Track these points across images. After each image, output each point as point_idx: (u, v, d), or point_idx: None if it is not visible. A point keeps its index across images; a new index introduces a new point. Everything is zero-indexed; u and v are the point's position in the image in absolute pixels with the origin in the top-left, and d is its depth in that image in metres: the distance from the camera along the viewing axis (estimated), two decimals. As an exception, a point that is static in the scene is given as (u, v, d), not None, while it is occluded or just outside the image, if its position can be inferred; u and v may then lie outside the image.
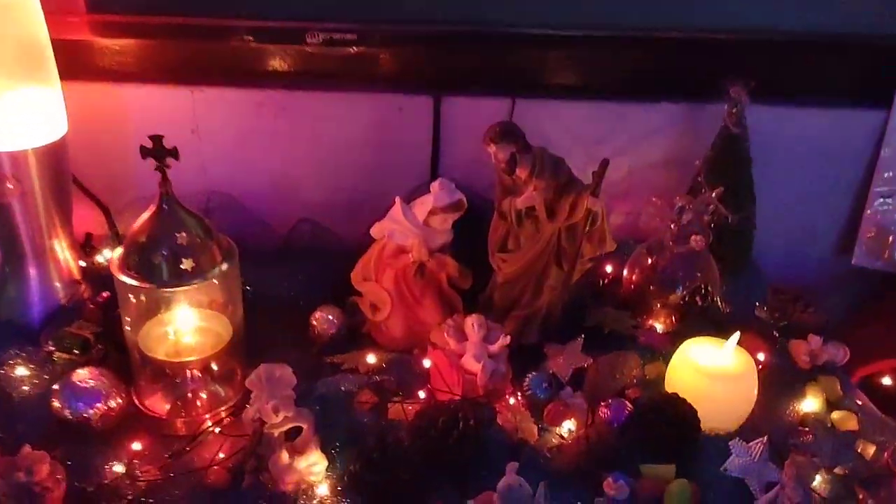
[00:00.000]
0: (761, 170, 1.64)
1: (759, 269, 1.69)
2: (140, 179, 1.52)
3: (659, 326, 1.53)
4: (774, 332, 1.54)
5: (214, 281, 1.20)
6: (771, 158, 1.65)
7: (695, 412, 1.24)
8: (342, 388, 1.31)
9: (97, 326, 1.37)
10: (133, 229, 1.18)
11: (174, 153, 1.17)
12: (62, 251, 1.47)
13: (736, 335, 1.32)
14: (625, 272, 1.60)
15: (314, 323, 1.44)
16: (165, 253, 1.15)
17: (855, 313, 1.83)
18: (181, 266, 1.15)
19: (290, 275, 1.53)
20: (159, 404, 1.28)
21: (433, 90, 1.63)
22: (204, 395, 1.31)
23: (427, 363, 1.35)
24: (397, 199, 1.42)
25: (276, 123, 1.68)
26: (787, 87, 1.64)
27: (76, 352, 1.31)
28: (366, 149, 1.69)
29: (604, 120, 1.67)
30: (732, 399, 1.30)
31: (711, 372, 1.30)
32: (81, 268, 1.51)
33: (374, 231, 1.45)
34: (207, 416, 1.27)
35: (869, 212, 1.74)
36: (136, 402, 1.27)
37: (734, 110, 1.58)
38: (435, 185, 1.40)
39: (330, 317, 1.44)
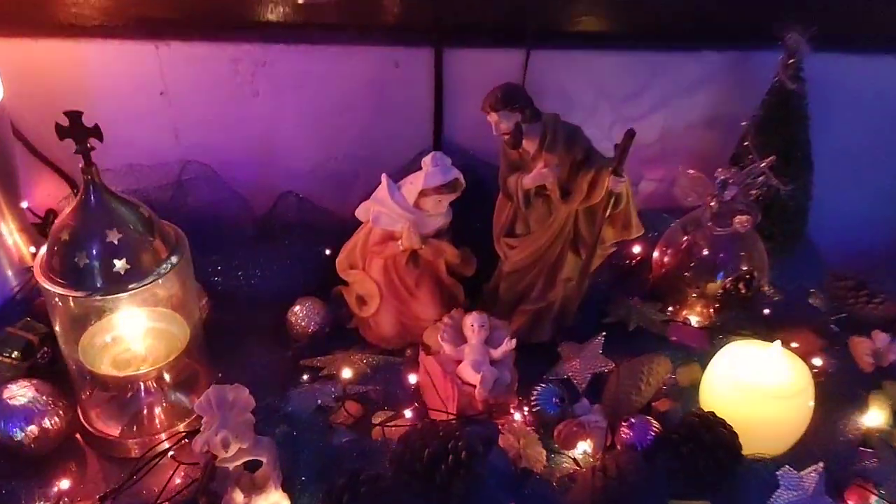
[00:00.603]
0: (820, 132, 1.42)
1: (815, 250, 1.50)
2: (109, 147, 1.36)
3: (694, 320, 1.32)
4: (832, 327, 1.32)
5: (159, 281, 1.01)
6: (833, 118, 1.45)
7: (735, 435, 1.04)
8: (318, 402, 1.12)
9: (47, 326, 1.19)
10: (55, 225, 0.99)
11: (97, 132, 0.97)
12: (10, 235, 1.30)
13: (777, 343, 1.10)
14: (655, 254, 1.38)
15: (292, 319, 1.25)
16: (94, 253, 0.96)
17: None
18: (114, 269, 0.96)
19: (269, 260, 1.33)
20: (109, 423, 1.11)
21: (434, 41, 1.41)
22: (161, 410, 1.13)
23: (413, 378, 1.15)
24: (384, 178, 1.21)
25: (256, 82, 1.46)
26: (854, 32, 1.44)
27: (16, 356, 1.14)
28: (359, 111, 1.49)
29: (634, 73, 1.48)
30: (783, 419, 1.09)
31: (757, 387, 1.09)
32: (34, 254, 1.33)
33: (360, 213, 1.24)
34: (164, 435, 1.09)
35: (949, 180, 1.48)
36: (83, 420, 1.10)
37: (790, 61, 1.35)
38: (426, 161, 1.18)
39: (310, 312, 1.25)
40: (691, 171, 1.30)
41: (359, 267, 1.27)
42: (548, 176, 1.13)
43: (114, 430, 1.11)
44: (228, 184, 1.48)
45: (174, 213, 1.41)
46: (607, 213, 1.15)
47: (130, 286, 0.98)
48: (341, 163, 1.54)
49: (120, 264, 0.96)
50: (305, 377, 1.19)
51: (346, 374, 1.16)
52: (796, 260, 1.45)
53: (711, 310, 1.32)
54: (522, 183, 1.15)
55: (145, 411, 1.13)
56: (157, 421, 1.13)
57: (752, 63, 1.44)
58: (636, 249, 1.42)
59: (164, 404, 1.14)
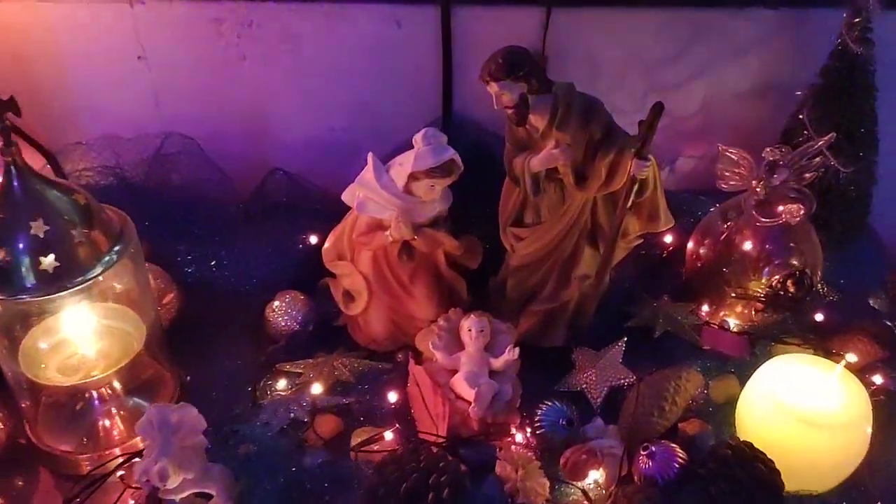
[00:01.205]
0: (889, 104, 1.24)
1: (879, 241, 1.33)
2: (87, 116, 1.36)
3: (733, 323, 1.15)
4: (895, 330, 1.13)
5: (100, 278, 0.87)
6: None
7: (776, 472, 0.88)
8: (291, 415, 0.98)
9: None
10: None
11: (12, 106, 0.82)
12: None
13: (839, 365, 0.92)
14: (689, 245, 1.20)
15: (270, 316, 1.10)
16: (19, 248, 0.82)
17: None
18: (40, 267, 0.82)
19: (246, 248, 1.18)
20: (61, 435, 1.00)
21: (440, -4, 1.27)
22: (118, 419, 1.01)
23: (394, 396, 1.01)
24: (370, 157, 1.05)
25: (242, 45, 1.33)
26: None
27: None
28: (358, 77, 1.36)
29: (673, 34, 1.32)
30: (834, 451, 0.92)
31: (804, 412, 0.92)
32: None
33: (346, 197, 1.09)
34: (117, 450, 0.97)
35: None
36: (29, 434, 0.98)
37: (856, 20, 1.18)
38: (417, 139, 1.01)
39: (291, 308, 1.11)
40: (733, 150, 1.11)
41: (347, 258, 1.12)
42: (559, 158, 0.96)
43: (66, 444, 0.99)
44: (213, 159, 1.36)
45: (150, 192, 1.30)
46: (629, 202, 0.97)
47: (62, 286, 0.84)
48: (339, 135, 1.42)
49: (47, 261, 0.83)
50: (282, 384, 1.05)
51: (317, 389, 1.01)
52: (857, 254, 1.27)
53: (754, 312, 1.14)
54: (530, 165, 0.98)
55: (101, 422, 1.01)
56: (115, 432, 1.01)
57: (811, 22, 1.29)
58: (668, 239, 1.25)
59: (122, 412, 1.02)
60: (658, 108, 0.90)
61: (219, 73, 1.35)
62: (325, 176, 1.36)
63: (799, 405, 0.92)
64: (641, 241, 1.09)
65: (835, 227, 1.23)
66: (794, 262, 1.12)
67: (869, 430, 0.93)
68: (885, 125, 1.25)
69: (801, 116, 1.22)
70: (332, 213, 1.23)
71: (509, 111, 0.94)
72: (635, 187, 0.96)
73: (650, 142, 0.92)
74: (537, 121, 0.96)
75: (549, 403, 0.98)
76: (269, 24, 1.31)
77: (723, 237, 1.17)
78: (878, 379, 1.03)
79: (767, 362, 0.97)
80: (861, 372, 1.06)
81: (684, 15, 1.31)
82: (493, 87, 0.93)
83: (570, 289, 1.07)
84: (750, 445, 0.90)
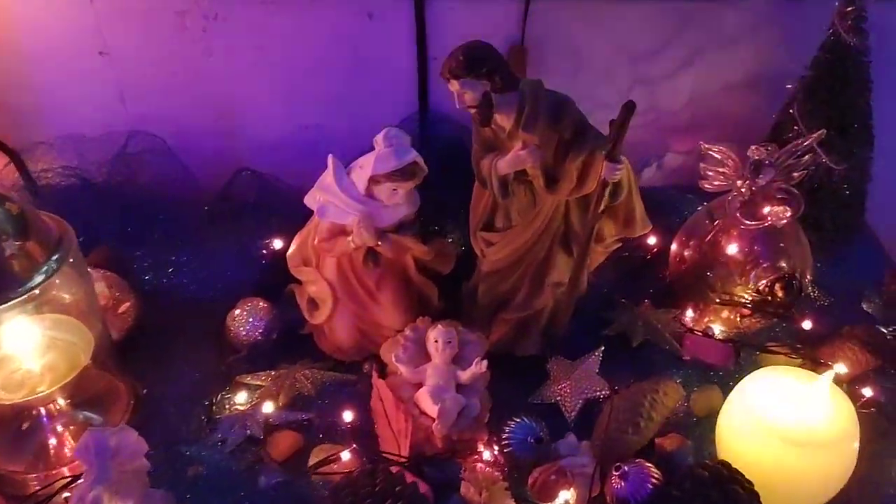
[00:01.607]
0: (884, 97, 1.17)
1: (875, 240, 1.28)
2: (53, 114, 1.31)
3: (718, 329, 1.09)
4: (889, 336, 1.07)
5: (36, 291, 0.82)
6: None
7: (754, 495, 0.82)
8: (247, 432, 0.93)
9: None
10: None
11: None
12: None
13: (824, 380, 0.86)
14: (673, 246, 1.14)
15: (231, 325, 1.06)
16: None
17: None
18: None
19: (206, 253, 1.14)
20: (10, 455, 0.95)
21: (413, -14, 1.22)
22: (69, 435, 0.96)
23: (349, 416, 0.96)
24: (330, 160, 1.00)
25: (208, 39, 1.28)
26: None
27: None
28: (330, 72, 1.31)
29: (660, 24, 1.27)
30: (818, 472, 0.87)
31: (784, 429, 0.86)
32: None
33: (308, 200, 1.04)
34: (66, 469, 0.92)
35: None
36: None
37: (849, 8, 1.12)
38: (378, 140, 0.96)
39: (253, 317, 1.05)
40: (717, 148, 1.05)
41: (312, 263, 1.06)
42: (527, 159, 0.90)
43: (14, 464, 0.94)
44: (181, 158, 1.30)
45: (113, 193, 1.25)
46: (602, 207, 0.91)
47: (-10, 302, 0.79)
48: (313, 132, 1.38)
49: (-31, 276, 0.78)
50: (241, 397, 1.00)
51: (274, 404, 0.96)
52: (851, 255, 1.21)
53: (739, 318, 1.08)
54: (497, 168, 0.92)
55: (51, 439, 0.96)
56: (66, 449, 0.96)
57: (805, 11, 1.23)
58: (652, 241, 1.19)
59: (72, 428, 0.97)
60: (630, 107, 0.84)
61: (185, 67, 1.30)
62: (298, 175, 1.28)
63: (780, 422, 0.86)
64: (620, 244, 1.04)
65: (826, 227, 1.17)
66: (783, 266, 1.07)
67: (856, 445, 0.88)
68: (882, 120, 1.18)
69: (791, 111, 1.16)
70: (303, 214, 1.18)
71: (472, 111, 0.89)
72: (607, 191, 0.91)
73: (621, 143, 0.86)
74: (504, 120, 0.90)
75: (518, 420, 0.93)
76: (235, 18, 1.25)
77: (708, 238, 1.11)
78: (867, 391, 0.97)
79: (748, 376, 0.91)
80: (851, 383, 1.00)
81: (671, 4, 1.26)
82: (454, 85, 0.87)
83: (544, 296, 1.02)
84: (727, 465, 0.84)
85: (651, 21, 1.28)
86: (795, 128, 1.14)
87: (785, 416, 0.87)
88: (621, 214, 0.97)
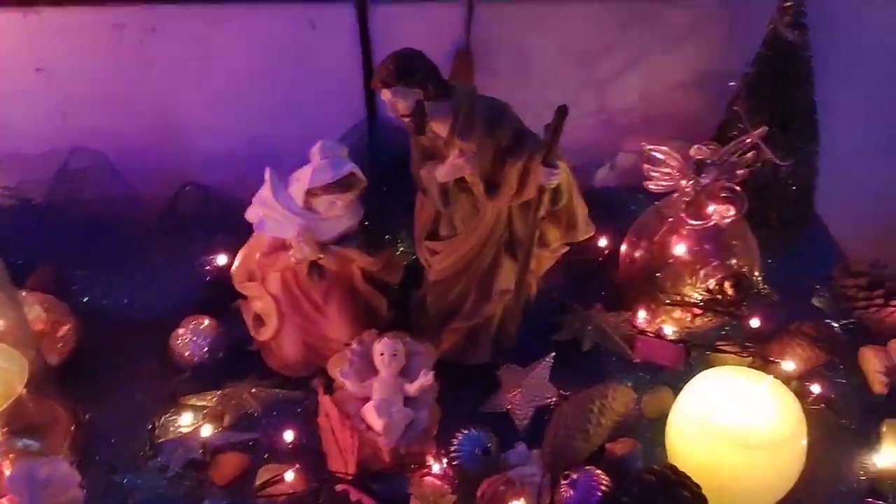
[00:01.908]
0: (828, 93, 1.18)
1: (825, 235, 1.28)
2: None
3: (670, 330, 1.08)
4: (838, 331, 1.07)
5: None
6: (844, 75, 1.24)
7: (702, 497, 0.82)
8: (190, 456, 0.91)
9: None
10: None
11: None
12: None
13: (768, 380, 0.85)
14: (623, 247, 1.13)
15: (174, 345, 1.03)
16: None
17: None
18: None
19: (146, 272, 1.11)
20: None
21: (354, -6, 1.20)
22: (9, 464, 0.93)
23: (303, 430, 0.94)
24: (267, 172, 0.98)
25: (147, 52, 1.25)
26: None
27: None
28: (275, 82, 1.30)
29: (604, 24, 1.27)
30: (766, 472, 0.86)
31: (730, 431, 0.86)
32: None
33: (249, 215, 1.02)
34: (5, 500, 0.89)
35: None
36: None
37: (787, 4, 1.12)
38: (314, 152, 0.94)
39: (197, 336, 1.03)
40: (659, 149, 1.04)
41: (257, 278, 1.05)
42: (465, 167, 0.89)
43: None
44: (125, 174, 1.27)
45: (54, 213, 1.22)
46: (541, 212, 0.90)
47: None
48: (260, 144, 1.33)
49: None
50: (187, 419, 0.98)
51: (220, 424, 0.94)
52: (801, 251, 1.20)
53: (690, 317, 1.08)
54: (435, 176, 0.91)
55: (-12, 470, 0.93)
56: (5, 479, 0.93)
57: (749, 8, 1.22)
58: (603, 243, 1.18)
59: (12, 456, 0.94)
60: (562, 111, 0.83)
61: (125, 81, 1.27)
62: (247, 188, 1.27)
63: (727, 424, 0.86)
64: (568, 248, 1.03)
65: (774, 223, 1.17)
66: (732, 263, 1.07)
67: (804, 443, 0.87)
68: (827, 114, 1.18)
69: (735, 108, 1.16)
70: (249, 229, 1.15)
71: (406, 120, 0.87)
72: (546, 196, 0.90)
73: (556, 147, 0.85)
74: (439, 128, 0.89)
75: (466, 431, 0.91)
76: (174, 29, 1.23)
77: (657, 239, 1.11)
78: (816, 388, 0.97)
79: (694, 378, 0.91)
80: (801, 379, 1.00)
81: (616, 3, 1.26)
82: (386, 94, 0.86)
83: (492, 303, 1.00)
84: (675, 469, 0.84)
85: (596, 21, 1.27)
86: (740, 125, 1.14)
87: (731, 418, 0.87)
88: (563, 218, 0.96)
